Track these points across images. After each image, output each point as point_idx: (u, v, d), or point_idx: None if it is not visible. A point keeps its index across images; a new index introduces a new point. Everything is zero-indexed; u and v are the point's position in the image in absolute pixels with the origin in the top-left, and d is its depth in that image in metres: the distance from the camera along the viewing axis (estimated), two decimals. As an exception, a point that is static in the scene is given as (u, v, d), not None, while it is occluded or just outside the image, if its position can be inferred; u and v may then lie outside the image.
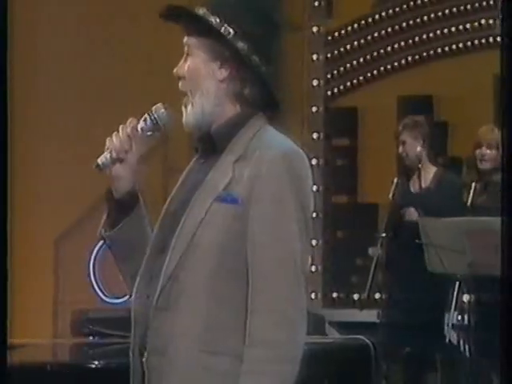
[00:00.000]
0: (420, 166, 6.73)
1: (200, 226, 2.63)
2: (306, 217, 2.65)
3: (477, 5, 8.11)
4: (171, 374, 2.61)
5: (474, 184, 6.55)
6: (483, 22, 8.09)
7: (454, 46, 8.13)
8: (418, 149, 6.70)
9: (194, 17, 2.74)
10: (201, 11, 2.74)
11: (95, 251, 7.67)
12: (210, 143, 2.74)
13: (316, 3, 8.36)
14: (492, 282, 6.31)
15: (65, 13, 7.97)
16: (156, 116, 2.78)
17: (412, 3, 8.23)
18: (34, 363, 3.72)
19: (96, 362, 3.39)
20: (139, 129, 2.77)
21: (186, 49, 2.77)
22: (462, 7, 8.11)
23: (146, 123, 2.78)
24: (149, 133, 2.78)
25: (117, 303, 7.31)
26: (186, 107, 2.74)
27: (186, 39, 2.77)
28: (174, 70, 2.77)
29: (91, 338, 4.50)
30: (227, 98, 2.73)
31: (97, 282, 7.62)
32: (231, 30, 2.72)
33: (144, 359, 2.67)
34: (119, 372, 2.87)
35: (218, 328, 2.60)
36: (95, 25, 7.95)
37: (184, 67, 2.75)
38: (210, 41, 2.73)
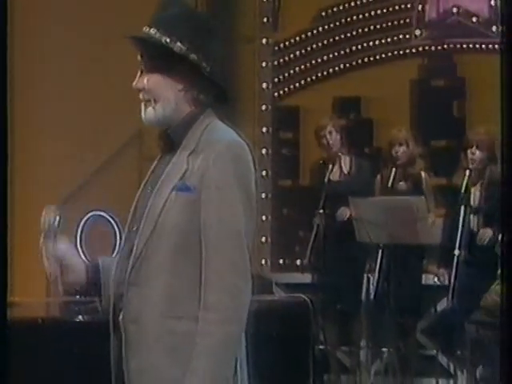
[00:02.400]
0: (340, 154, 6.76)
1: (162, 213, 2.59)
2: (249, 198, 2.61)
3: (396, 22, 8.10)
4: (144, 339, 2.59)
5: (394, 170, 6.58)
6: (401, 36, 8.09)
7: (377, 56, 8.12)
8: (337, 139, 6.74)
9: (149, 40, 2.65)
10: (152, 32, 2.65)
11: (81, 224, 7.54)
12: (169, 140, 2.68)
13: (265, 19, 8.31)
14: (407, 248, 6.36)
15: (64, 12, 7.64)
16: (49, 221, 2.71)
17: (344, 20, 8.21)
18: (29, 318, 3.65)
19: (81, 317, 3.33)
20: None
21: (142, 65, 2.67)
22: (384, 24, 8.11)
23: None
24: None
25: None
26: (146, 107, 2.67)
27: (141, 57, 2.67)
28: (134, 84, 2.68)
29: (78, 297, 4.41)
30: (185, 102, 2.66)
31: (83, 250, 7.52)
32: (182, 46, 2.64)
33: (120, 318, 2.65)
34: (101, 326, 2.85)
35: (180, 297, 2.57)
36: (94, 26, 7.68)
37: (143, 81, 2.66)
38: (166, 57, 2.65)
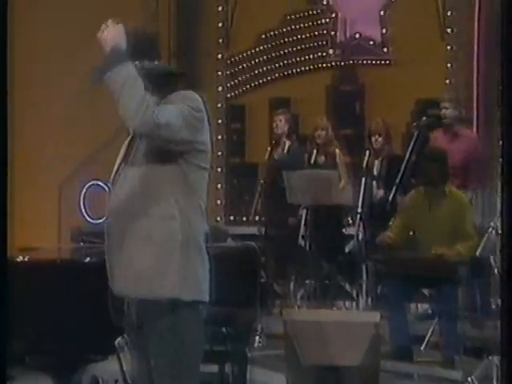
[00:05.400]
0: (284, 139, 6.69)
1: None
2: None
3: (315, 44, 7.99)
4: (126, 236, 2.44)
5: (315, 151, 6.52)
6: (319, 54, 7.97)
7: (302, 68, 8.01)
8: (286, 127, 6.66)
9: None
10: None
11: (84, 190, 7.41)
12: None
13: (220, 40, 8.16)
14: (324, 207, 6.30)
15: (62, 13, 7.20)
16: None
17: (278, 42, 8.09)
18: (48, 259, 3.47)
19: (88, 259, 3.17)
20: None
21: None
22: (307, 45, 8.01)
23: None
24: None
25: (97, 223, 7.17)
26: None
27: None
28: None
29: (83, 244, 4.22)
30: None
31: (85, 209, 7.40)
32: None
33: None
34: (102, 265, 2.72)
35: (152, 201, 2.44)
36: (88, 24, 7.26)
37: None
38: None
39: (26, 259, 3.23)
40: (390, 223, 5.27)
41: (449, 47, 7.30)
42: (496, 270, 3.81)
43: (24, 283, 3.02)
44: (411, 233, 5.13)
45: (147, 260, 2.38)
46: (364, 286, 6.13)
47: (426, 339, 5.09)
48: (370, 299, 6.06)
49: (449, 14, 7.34)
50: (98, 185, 7.39)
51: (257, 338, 4.86)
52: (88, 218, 7.33)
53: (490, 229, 3.75)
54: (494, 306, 3.76)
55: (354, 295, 6.62)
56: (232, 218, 8.01)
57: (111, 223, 2.44)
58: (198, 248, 2.47)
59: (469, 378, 3.89)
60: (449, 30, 7.32)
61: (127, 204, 2.42)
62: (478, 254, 4.06)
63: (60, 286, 3.10)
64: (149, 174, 2.42)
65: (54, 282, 3.12)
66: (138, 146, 2.48)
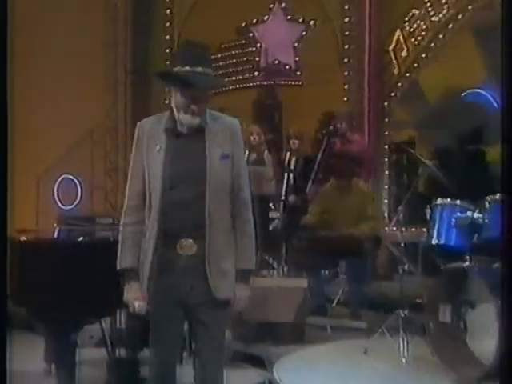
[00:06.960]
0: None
1: (217, 173, 2.43)
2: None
3: (245, 67, 7.91)
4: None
5: (247, 151, 6.45)
6: (247, 75, 7.89)
7: (236, 86, 7.82)
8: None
9: (202, 76, 2.43)
10: (200, 69, 2.42)
11: (57, 183, 7.09)
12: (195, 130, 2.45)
13: (167, 62, 7.90)
14: (256, 196, 6.21)
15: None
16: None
17: (214, 65, 7.93)
18: (45, 238, 3.26)
19: (81, 238, 2.99)
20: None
21: (194, 94, 2.41)
22: (238, 68, 7.91)
23: None
24: None
25: (67, 209, 6.87)
26: (195, 117, 2.44)
27: (185, 87, 2.40)
28: (195, 109, 2.41)
29: (68, 226, 3.98)
30: None
31: (59, 198, 7.09)
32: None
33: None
34: (96, 243, 2.56)
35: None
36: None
37: (201, 108, 2.44)
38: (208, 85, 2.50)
39: (27, 239, 3.04)
40: (309, 209, 5.33)
41: (346, 72, 7.55)
42: (403, 244, 3.99)
43: (26, 259, 2.84)
44: (326, 216, 5.21)
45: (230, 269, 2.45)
46: (283, 259, 6.14)
47: (337, 298, 5.18)
48: (282, 268, 6.10)
49: (346, 47, 7.58)
50: (69, 178, 7.17)
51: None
52: (60, 205, 7.04)
53: (399, 212, 3.93)
54: (400, 272, 3.87)
55: (275, 265, 6.63)
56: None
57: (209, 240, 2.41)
58: None
59: (380, 329, 3.97)
60: (345, 60, 7.57)
61: (218, 223, 2.44)
62: (387, 231, 4.20)
63: (57, 262, 2.92)
64: (222, 203, 2.45)
65: (51, 258, 2.94)
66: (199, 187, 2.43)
